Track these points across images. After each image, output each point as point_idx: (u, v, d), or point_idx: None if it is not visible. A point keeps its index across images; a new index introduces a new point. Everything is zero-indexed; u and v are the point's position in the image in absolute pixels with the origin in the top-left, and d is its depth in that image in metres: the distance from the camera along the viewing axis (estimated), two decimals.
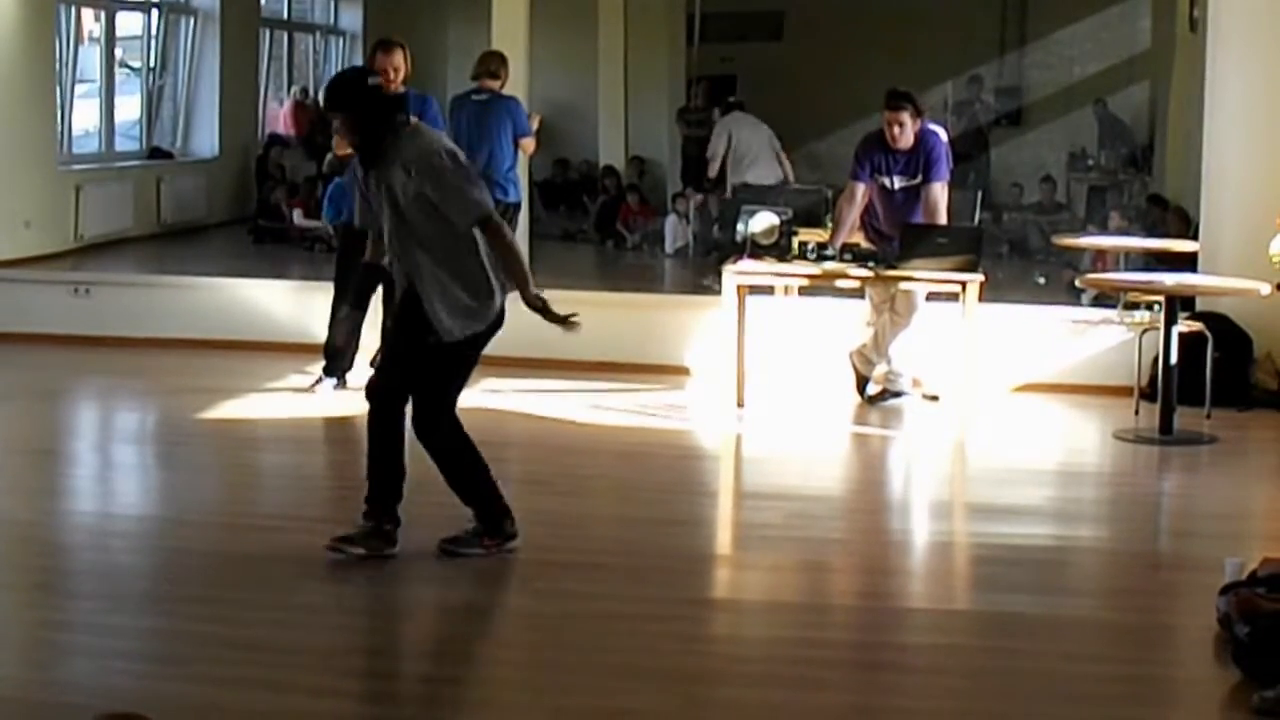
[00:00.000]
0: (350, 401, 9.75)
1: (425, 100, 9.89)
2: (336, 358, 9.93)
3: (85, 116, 16.05)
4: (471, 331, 6.39)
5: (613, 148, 18.84)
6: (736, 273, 9.59)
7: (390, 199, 6.34)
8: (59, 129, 14.70)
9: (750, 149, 14.96)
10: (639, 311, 11.36)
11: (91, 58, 16.11)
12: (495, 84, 10.88)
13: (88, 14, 15.87)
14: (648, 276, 14.98)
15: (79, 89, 15.66)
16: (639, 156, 18.84)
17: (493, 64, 10.95)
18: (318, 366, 9.97)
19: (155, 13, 16.92)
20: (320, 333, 10.08)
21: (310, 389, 9.86)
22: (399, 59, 9.61)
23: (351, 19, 21.62)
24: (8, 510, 7.45)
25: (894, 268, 9.36)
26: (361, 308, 9.94)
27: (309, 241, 15.03)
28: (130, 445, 9.44)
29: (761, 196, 11.34)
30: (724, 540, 7.60)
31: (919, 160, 9.60)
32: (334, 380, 9.92)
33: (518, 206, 11.13)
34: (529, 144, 11.03)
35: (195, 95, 17.43)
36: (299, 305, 11.22)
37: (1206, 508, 8.08)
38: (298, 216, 15.52)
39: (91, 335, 11.49)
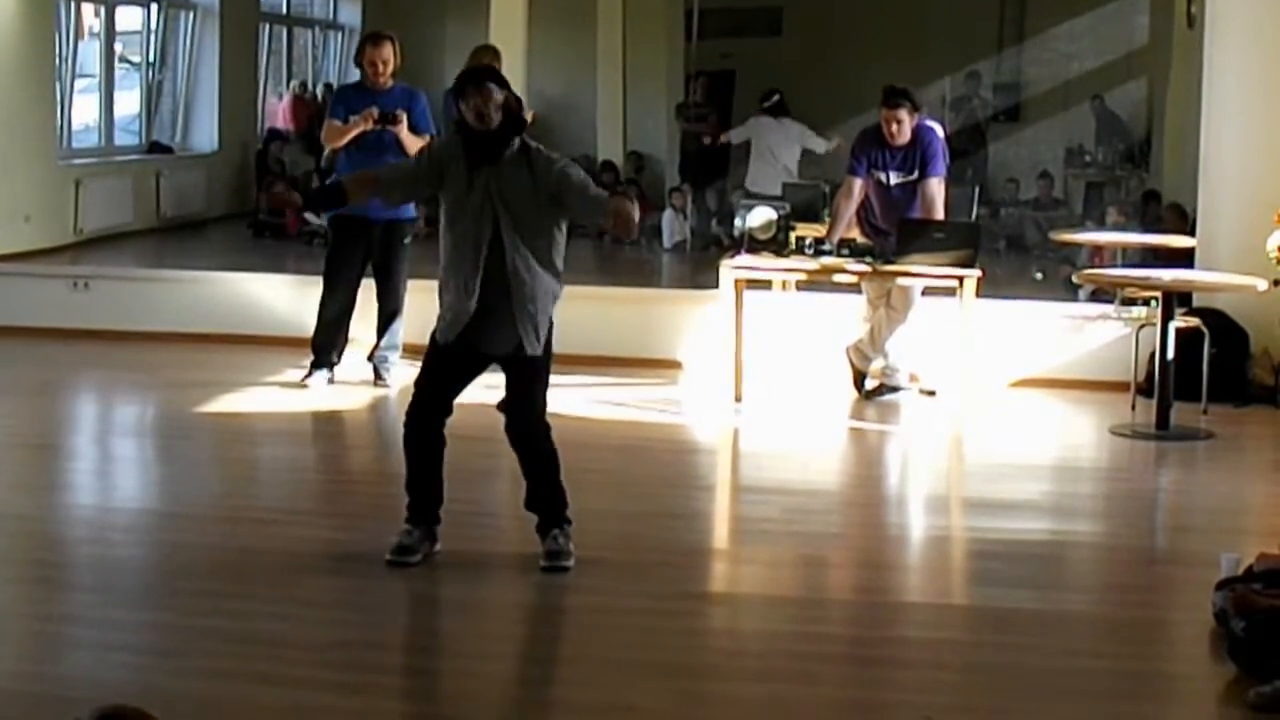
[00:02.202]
0: (347, 395, 9.77)
1: (414, 94, 9.94)
2: (326, 350, 9.92)
3: (85, 111, 16.07)
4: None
5: (611, 143, 18.85)
6: (734, 267, 9.60)
7: (503, 200, 6.25)
8: (59, 123, 14.72)
9: (776, 158, 14.96)
10: (637, 306, 11.38)
11: (91, 52, 16.12)
12: None
13: (87, 9, 15.89)
14: (645, 271, 14.98)
15: (79, 84, 15.68)
16: (637, 152, 18.86)
17: (485, 58, 10.99)
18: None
19: (155, 8, 16.93)
20: None
21: (302, 383, 9.86)
22: (388, 52, 9.72)
23: (350, 14, 21.64)
24: (7, 504, 7.45)
25: (891, 263, 9.38)
26: (351, 300, 9.94)
27: (308, 236, 15.04)
28: (128, 439, 9.44)
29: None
30: (721, 535, 7.61)
31: (915, 156, 9.61)
32: (325, 372, 9.91)
33: None
34: None
35: (195, 90, 17.45)
36: (298, 300, 11.21)
37: (1203, 503, 8.09)
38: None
39: (90, 329, 11.49)
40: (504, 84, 6.36)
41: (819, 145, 15.09)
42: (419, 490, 6.50)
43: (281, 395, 9.81)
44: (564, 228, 6.42)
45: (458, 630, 6.04)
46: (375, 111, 9.53)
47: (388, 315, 9.91)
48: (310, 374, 9.90)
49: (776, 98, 15.40)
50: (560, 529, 6.48)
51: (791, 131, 15.11)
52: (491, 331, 6.33)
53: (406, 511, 6.51)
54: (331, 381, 9.91)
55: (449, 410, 6.49)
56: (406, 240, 9.83)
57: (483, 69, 6.67)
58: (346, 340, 10.06)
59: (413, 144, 9.43)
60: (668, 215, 16.00)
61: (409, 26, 21.34)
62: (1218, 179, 10.44)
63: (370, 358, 9.97)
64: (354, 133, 9.57)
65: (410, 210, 9.84)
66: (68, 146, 15.11)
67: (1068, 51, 20.04)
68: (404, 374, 9.56)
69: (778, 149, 14.98)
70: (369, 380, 9.92)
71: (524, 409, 6.46)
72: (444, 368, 6.44)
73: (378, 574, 6.40)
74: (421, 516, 6.51)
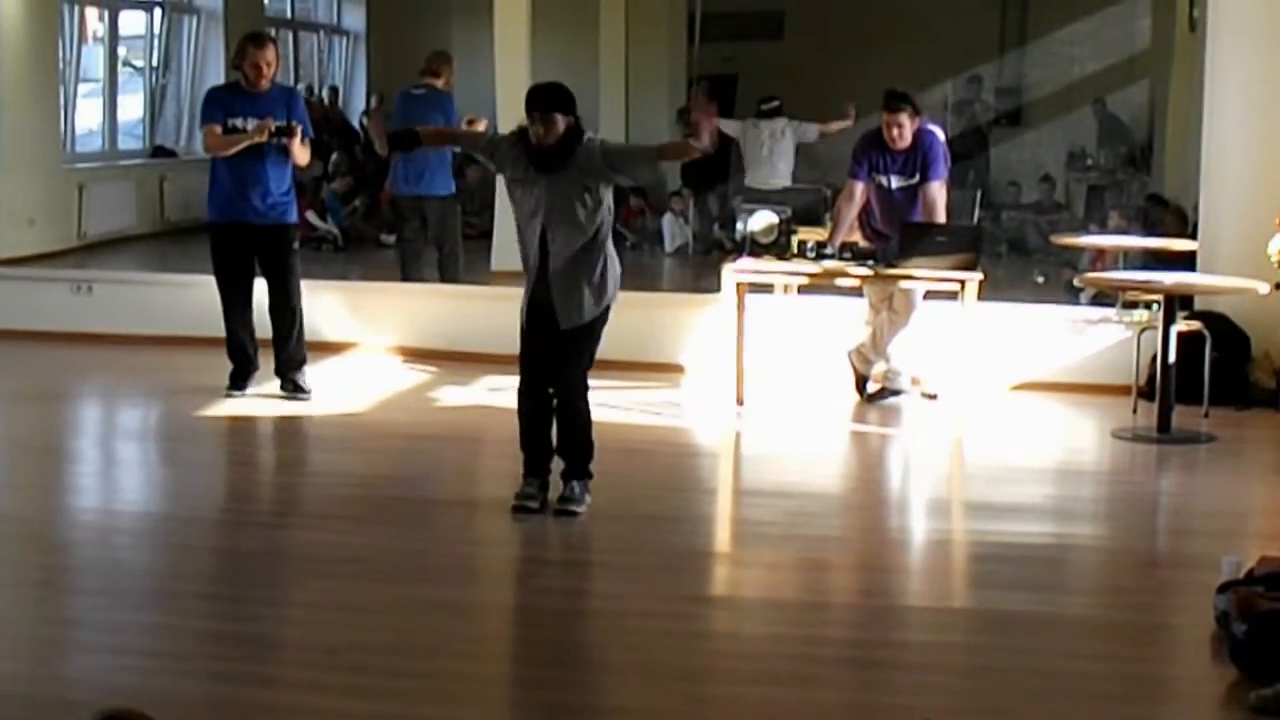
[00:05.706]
0: (348, 400, 9.78)
1: (293, 95, 9.90)
2: (251, 363, 9.73)
3: (89, 115, 16.11)
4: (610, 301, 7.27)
5: None
6: (736, 271, 9.62)
7: (564, 196, 6.96)
8: (63, 127, 14.76)
9: (763, 155, 15.07)
10: (639, 310, 11.34)
11: (95, 57, 16.17)
12: (436, 81, 11.88)
13: (91, 13, 15.93)
14: (648, 275, 14.98)
15: (83, 88, 15.72)
16: None
17: (435, 64, 12.00)
18: (320, 365, 9.91)
19: (158, 12, 16.97)
20: (322, 331, 10.08)
21: (229, 393, 9.65)
22: (272, 54, 9.39)
23: (354, 18, 21.65)
24: (11, 507, 7.48)
25: (893, 266, 9.39)
26: (249, 309, 9.64)
27: (315, 241, 15.05)
28: (132, 442, 9.45)
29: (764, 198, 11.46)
30: (723, 538, 7.62)
31: (917, 160, 9.63)
32: (247, 384, 9.68)
33: (453, 198, 12.01)
34: None
35: (198, 94, 17.41)
36: (303, 304, 11.21)
37: (1204, 506, 8.09)
38: (312, 217, 15.54)
39: (94, 333, 11.50)
40: (570, 108, 6.93)
41: (810, 134, 15.17)
42: (532, 446, 7.24)
43: (284, 398, 9.80)
44: (607, 204, 7.10)
45: (459, 633, 6.04)
46: (272, 124, 9.15)
47: (285, 325, 9.54)
48: (234, 387, 9.68)
49: (775, 103, 15.49)
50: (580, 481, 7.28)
51: (781, 138, 15.22)
52: (557, 306, 7.12)
53: (523, 467, 7.24)
54: (243, 390, 9.67)
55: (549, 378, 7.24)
56: (295, 244, 9.48)
57: (550, 93, 6.99)
58: (258, 348, 9.73)
59: (300, 152, 9.26)
60: (669, 219, 16.02)
61: (413, 29, 21.44)
62: (1219, 182, 10.44)
63: (276, 371, 9.64)
64: (245, 144, 9.16)
65: (292, 214, 9.50)
66: (71, 151, 15.16)
67: (1069, 55, 20.03)
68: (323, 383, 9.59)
69: (765, 147, 15.13)
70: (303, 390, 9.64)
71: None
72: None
73: (380, 577, 6.43)
74: (535, 469, 7.24)
